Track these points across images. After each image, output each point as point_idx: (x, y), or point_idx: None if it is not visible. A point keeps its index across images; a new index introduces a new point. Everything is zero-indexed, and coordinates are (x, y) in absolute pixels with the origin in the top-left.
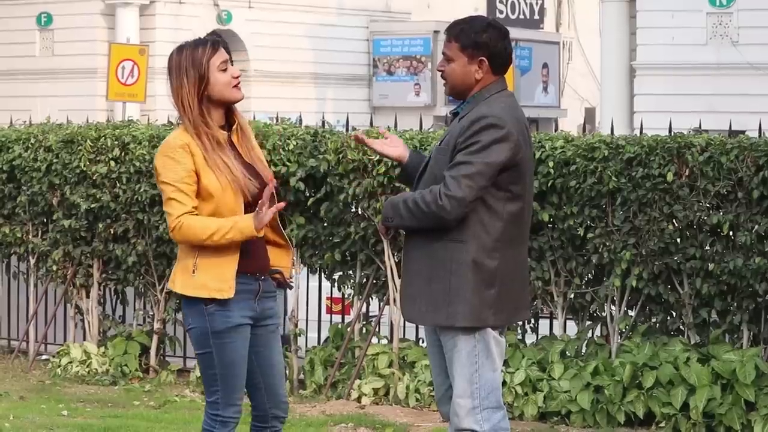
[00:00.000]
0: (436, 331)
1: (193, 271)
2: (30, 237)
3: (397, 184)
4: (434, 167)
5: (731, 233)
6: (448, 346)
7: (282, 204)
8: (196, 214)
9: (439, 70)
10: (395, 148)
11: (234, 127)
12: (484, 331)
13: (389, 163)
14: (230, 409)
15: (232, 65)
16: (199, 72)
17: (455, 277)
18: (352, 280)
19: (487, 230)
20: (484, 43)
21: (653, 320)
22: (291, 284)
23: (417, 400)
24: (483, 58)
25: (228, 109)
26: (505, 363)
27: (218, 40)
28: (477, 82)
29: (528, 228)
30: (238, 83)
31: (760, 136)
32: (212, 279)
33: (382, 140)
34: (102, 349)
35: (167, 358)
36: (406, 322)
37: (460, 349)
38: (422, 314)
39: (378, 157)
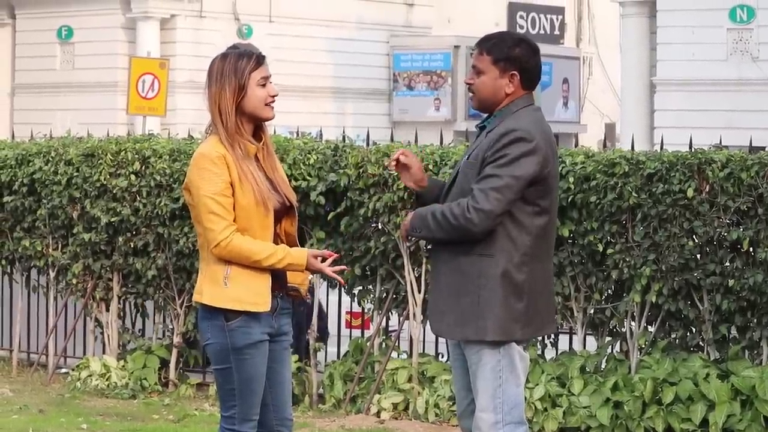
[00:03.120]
0: (460, 345)
1: (225, 283)
2: (50, 250)
3: None
4: (462, 181)
5: (751, 249)
6: (472, 360)
7: (336, 255)
8: (236, 230)
9: (468, 83)
10: (418, 184)
11: (261, 143)
12: (509, 346)
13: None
14: (247, 425)
15: (271, 83)
16: (239, 82)
17: (485, 291)
18: (371, 295)
19: (516, 244)
20: (516, 57)
21: (673, 336)
22: (308, 300)
23: (436, 414)
24: (515, 72)
25: (257, 126)
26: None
27: (264, 56)
28: (506, 96)
29: (553, 242)
30: (273, 102)
31: None
32: (247, 292)
33: (411, 173)
34: (121, 362)
35: (186, 372)
36: (426, 337)
37: (485, 364)
38: (451, 328)
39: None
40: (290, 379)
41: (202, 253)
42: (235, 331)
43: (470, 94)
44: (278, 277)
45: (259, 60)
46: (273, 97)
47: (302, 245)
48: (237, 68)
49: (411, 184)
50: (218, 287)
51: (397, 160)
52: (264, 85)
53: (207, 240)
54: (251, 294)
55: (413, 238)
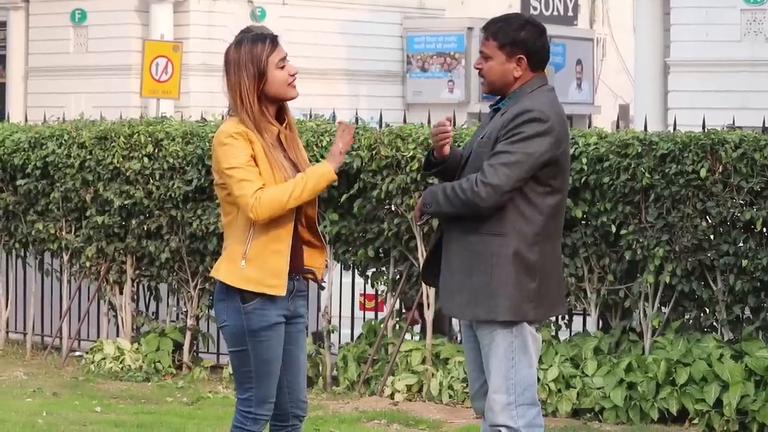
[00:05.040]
0: (472, 326)
1: (242, 262)
2: (63, 233)
3: (429, 181)
4: (476, 160)
5: (765, 230)
6: (485, 341)
7: (352, 126)
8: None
9: (477, 68)
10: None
11: (284, 124)
12: (522, 327)
13: (423, 160)
14: (263, 407)
15: (289, 62)
16: (259, 68)
17: (496, 270)
18: (385, 277)
19: (528, 224)
20: (522, 40)
21: (686, 317)
22: (323, 285)
23: (450, 396)
24: (521, 56)
25: (279, 107)
26: (539, 359)
27: (276, 36)
28: (516, 79)
29: (563, 222)
30: (294, 80)
31: None
32: (263, 273)
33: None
34: (135, 345)
35: (200, 355)
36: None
37: (498, 344)
38: (462, 308)
39: (411, 153)
40: (306, 361)
41: (227, 231)
42: (251, 313)
43: (480, 79)
44: (294, 259)
45: (274, 42)
46: (293, 75)
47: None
48: (254, 55)
49: (447, 150)
50: (235, 266)
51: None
52: (283, 67)
53: (242, 208)
54: (267, 276)
55: (425, 217)
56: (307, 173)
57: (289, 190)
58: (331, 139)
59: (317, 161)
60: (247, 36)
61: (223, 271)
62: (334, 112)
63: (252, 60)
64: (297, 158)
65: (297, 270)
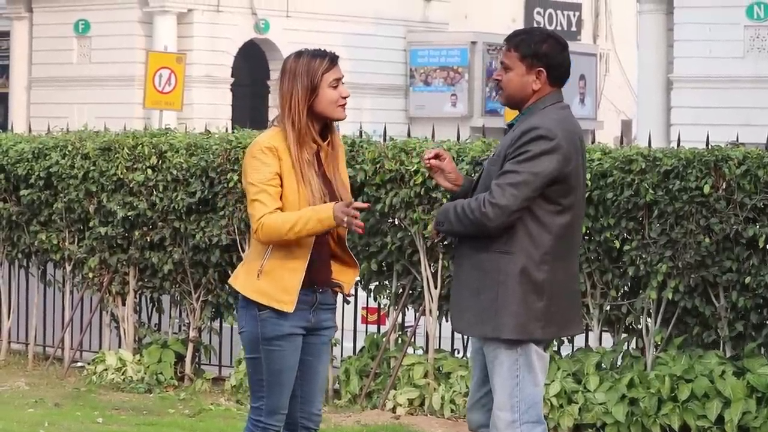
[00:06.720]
0: (480, 340)
1: (258, 275)
2: (66, 244)
3: (433, 195)
4: (486, 179)
5: (767, 246)
6: (490, 357)
7: (366, 205)
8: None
9: (496, 79)
10: (453, 184)
11: (326, 141)
12: (527, 346)
13: (426, 173)
14: (273, 417)
15: (343, 84)
16: (312, 82)
17: (503, 288)
18: (388, 290)
19: (536, 243)
20: (543, 53)
21: (689, 333)
22: (348, 299)
23: (452, 410)
24: (541, 68)
25: (325, 124)
26: None
27: (337, 56)
28: (534, 92)
29: (579, 240)
30: (345, 103)
31: None
32: (276, 288)
33: (445, 175)
34: (137, 356)
35: (202, 367)
36: (442, 333)
37: (502, 362)
38: (470, 325)
39: (415, 167)
40: (325, 374)
41: (252, 239)
42: (266, 321)
43: (499, 90)
44: (322, 272)
45: (333, 61)
46: (344, 98)
47: None
48: (310, 69)
49: (447, 184)
50: (251, 277)
51: (432, 160)
52: (336, 87)
53: (251, 226)
54: (279, 291)
55: (442, 235)
56: (311, 212)
57: (290, 223)
58: None
59: None
60: (308, 50)
61: (240, 281)
62: (338, 126)
63: (307, 73)
64: (334, 178)
65: (322, 283)
